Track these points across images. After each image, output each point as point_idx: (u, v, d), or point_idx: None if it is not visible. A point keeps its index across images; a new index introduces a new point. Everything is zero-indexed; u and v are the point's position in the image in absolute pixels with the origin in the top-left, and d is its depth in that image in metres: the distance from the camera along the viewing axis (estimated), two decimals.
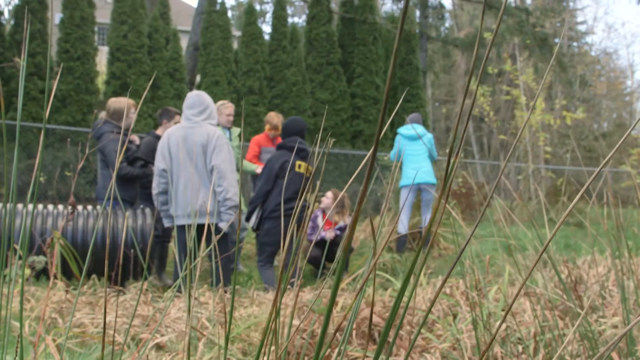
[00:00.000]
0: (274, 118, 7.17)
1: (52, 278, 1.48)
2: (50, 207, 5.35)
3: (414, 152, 7.83)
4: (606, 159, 0.70)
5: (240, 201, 1.91)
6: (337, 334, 3.06)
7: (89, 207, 5.48)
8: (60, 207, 5.39)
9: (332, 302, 0.74)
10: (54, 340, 2.83)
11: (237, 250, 1.15)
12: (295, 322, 3.09)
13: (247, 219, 5.76)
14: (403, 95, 1.24)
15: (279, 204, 5.45)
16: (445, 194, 0.74)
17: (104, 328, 0.90)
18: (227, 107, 6.54)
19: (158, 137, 6.24)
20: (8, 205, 5.23)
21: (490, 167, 16.06)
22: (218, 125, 6.47)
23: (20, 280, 4.42)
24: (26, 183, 9.84)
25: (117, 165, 0.99)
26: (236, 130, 6.79)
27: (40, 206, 5.30)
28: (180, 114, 6.34)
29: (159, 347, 2.97)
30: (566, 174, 12.89)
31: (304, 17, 15.65)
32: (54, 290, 4.06)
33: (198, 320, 3.27)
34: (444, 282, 0.78)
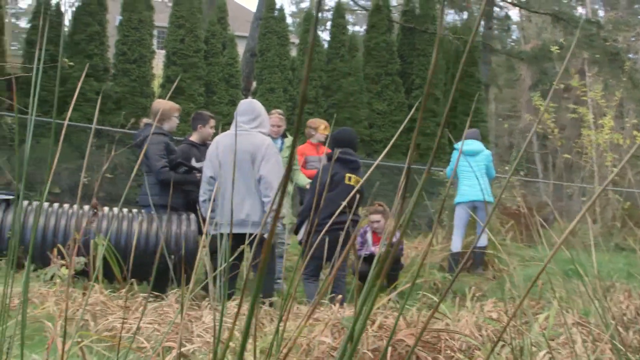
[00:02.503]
0: (312, 120, 7.15)
1: (66, 281, 1.37)
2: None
3: (471, 169, 7.57)
4: None
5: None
6: (371, 354, 2.89)
7: (134, 211, 5.44)
8: (106, 208, 5.37)
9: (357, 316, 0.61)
10: (79, 342, 2.75)
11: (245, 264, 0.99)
12: (329, 339, 2.93)
13: (296, 232, 5.63)
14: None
15: (327, 218, 5.30)
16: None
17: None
18: (271, 117, 6.29)
19: (192, 144, 6.13)
20: (55, 205, 5.22)
21: (553, 187, 15.55)
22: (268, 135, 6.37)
23: (57, 281, 4.39)
24: (77, 183, 9.97)
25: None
26: (289, 140, 6.68)
27: (86, 207, 5.29)
28: (213, 118, 6.26)
29: (184, 356, 2.86)
30: (623, 195, 12.32)
31: (365, 26, 15.59)
32: (91, 293, 4.01)
33: (229, 331, 3.13)
34: None
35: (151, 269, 4.92)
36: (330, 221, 1.26)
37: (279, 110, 6.63)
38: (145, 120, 5.99)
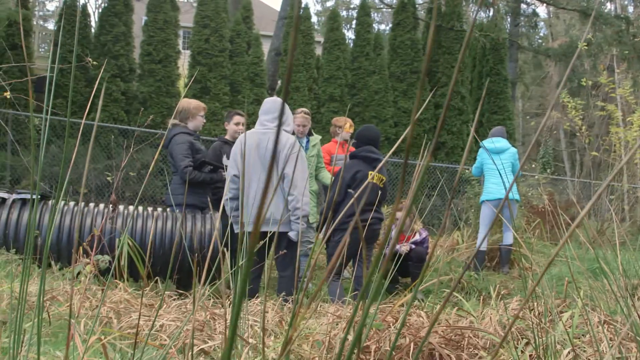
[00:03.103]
0: (337, 118, 7.12)
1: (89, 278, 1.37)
2: (121, 207, 5.37)
3: (497, 167, 7.52)
4: None
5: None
6: (392, 352, 2.87)
7: (159, 209, 5.47)
8: (131, 207, 5.40)
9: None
10: (100, 339, 2.78)
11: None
12: (351, 336, 2.91)
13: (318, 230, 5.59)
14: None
15: (350, 216, 5.26)
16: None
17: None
18: (297, 117, 6.37)
19: (225, 142, 6.21)
20: (81, 204, 5.26)
21: (581, 185, 15.34)
22: (293, 133, 6.37)
23: (82, 279, 4.43)
24: (104, 183, 10.07)
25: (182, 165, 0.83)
26: (315, 139, 6.66)
27: (117, 207, 5.32)
28: (241, 115, 6.29)
29: (205, 352, 2.86)
30: None
31: (390, 24, 15.51)
32: (115, 290, 4.04)
33: (251, 329, 3.14)
34: None
35: (177, 267, 4.95)
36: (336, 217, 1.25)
37: (304, 110, 6.61)
38: (172, 120, 6.04)
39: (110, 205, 4.84)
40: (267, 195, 0.54)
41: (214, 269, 1.65)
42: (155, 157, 1.48)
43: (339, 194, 5.23)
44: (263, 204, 0.55)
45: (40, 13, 38.41)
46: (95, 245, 4.29)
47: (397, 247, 6.38)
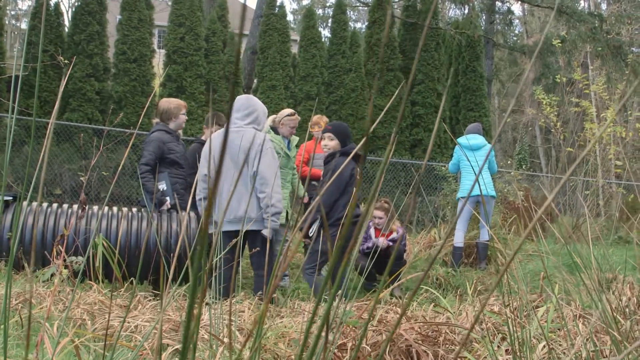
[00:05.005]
0: (315, 117, 7.09)
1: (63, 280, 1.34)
2: (95, 208, 5.31)
3: (473, 164, 7.56)
4: None
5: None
6: (369, 348, 2.87)
7: (134, 210, 5.42)
8: (106, 208, 5.34)
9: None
10: (73, 341, 2.75)
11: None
12: (329, 335, 2.90)
13: (307, 229, 5.55)
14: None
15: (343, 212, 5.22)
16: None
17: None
18: (293, 120, 6.37)
19: (202, 143, 6.17)
20: (54, 205, 5.18)
21: (556, 181, 15.49)
22: (278, 134, 6.34)
23: (55, 280, 4.37)
24: (79, 184, 9.95)
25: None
26: (295, 139, 6.64)
27: (86, 207, 5.26)
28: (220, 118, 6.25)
29: (180, 352, 2.84)
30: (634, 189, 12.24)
31: (366, 22, 15.55)
32: (90, 292, 4.00)
33: (227, 328, 3.11)
34: None
35: (152, 267, 4.90)
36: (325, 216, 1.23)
37: (295, 112, 6.61)
38: (155, 120, 5.97)
39: (80, 205, 4.77)
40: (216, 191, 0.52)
41: (184, 268, 1.62)
42: (125, 154, 1.45)
43: (337, 192, 5.19)
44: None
45: (13, 12, 37.87)
46: (66, 246, 4.23)
47: (374, 240, 6.39)
